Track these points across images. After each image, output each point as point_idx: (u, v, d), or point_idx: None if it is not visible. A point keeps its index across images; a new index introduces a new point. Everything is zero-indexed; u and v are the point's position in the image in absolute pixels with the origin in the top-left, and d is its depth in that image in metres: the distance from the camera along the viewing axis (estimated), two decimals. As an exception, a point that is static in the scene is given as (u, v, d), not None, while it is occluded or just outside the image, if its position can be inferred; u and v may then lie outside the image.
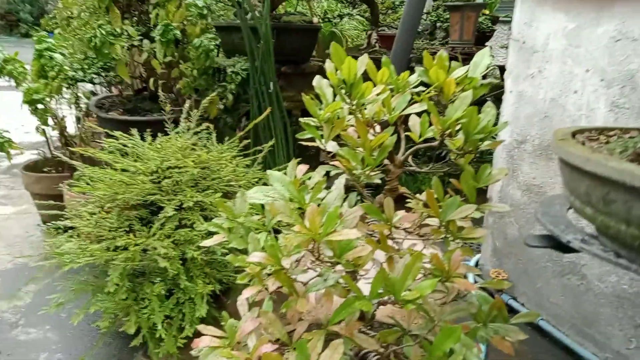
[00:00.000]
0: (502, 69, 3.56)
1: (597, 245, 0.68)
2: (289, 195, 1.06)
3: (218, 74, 2.78)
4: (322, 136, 1.10)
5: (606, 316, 1.58)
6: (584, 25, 1.64)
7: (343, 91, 1.01)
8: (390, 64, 1.10)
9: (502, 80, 2.07)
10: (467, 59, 3.51)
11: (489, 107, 0.95)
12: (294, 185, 1.08)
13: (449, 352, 0.93)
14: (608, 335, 1.58)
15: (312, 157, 2.72)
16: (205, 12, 2.25)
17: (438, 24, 5.29)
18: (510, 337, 1.13)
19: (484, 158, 2.57)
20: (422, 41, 5.22)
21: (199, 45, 2.21)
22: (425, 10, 5.43)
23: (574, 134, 0.82)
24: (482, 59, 1.04)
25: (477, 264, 2.18)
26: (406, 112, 1.00)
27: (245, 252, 1.12)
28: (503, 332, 1.13)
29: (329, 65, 1.01)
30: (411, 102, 1.03)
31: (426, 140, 1.14)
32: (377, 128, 1.11)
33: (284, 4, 4.03)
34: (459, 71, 0.99)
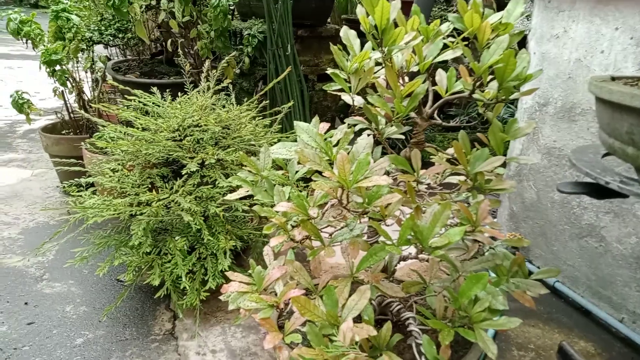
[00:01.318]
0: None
1: (638, 186, 0.67)
2: (316, 146, 1.06)
3: (234, 38, 2.75)
4: (350, 88, 1.10)
5: (624, 278, 1.59)
6: (615, -18, 1.58)
7: (375, 39, 1.00)
8: (420, 13, 1.08)
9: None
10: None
11: (524, 54, 0.93)
12: (320, 136, 1.09)
13: (475, 300, 0.94)
14: (624, 296, 1.59)
15: (328, 122, 2.70)
16: (222, -30, 2.21)
17: (455, -9, 5.15)
18: (531, 291, 1.14)
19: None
20: (438, 9, 5.11)
21: (217, 4, 2.17)
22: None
23: (613, 79, 0.81)
24: (516, 7, 1.01)
25: (494, 228, 2.18)
26: (439, 59, 0.99)
27: (269, 206, 1.13)
28: (524, 286, 1.14)
29: (360, 10, 0.99)
30: (443, 50, 1.01)
31: (454, 94, 1.13)
32: (406, 79, 1.09)
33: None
34: (494, 17, 0.97)
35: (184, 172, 1.51)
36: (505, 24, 0.96)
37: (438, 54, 0.99)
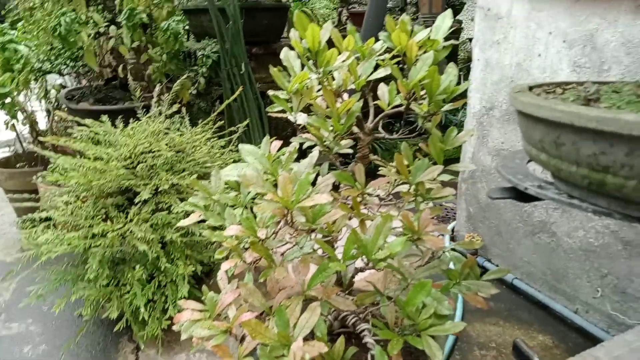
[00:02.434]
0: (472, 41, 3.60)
1: (553, 190, 0.71)
2: (262, 168, 1.07)
3: (189, 59, 2.75)
4: (292, 108, 1.12)
5: (575, 270, 1.65)
6: (545, -11, 1.67)
7: (309, 60, 1.03)
8: (356, 33, 1.11)
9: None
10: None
11: (450, 68, 0.97)
12: (266, 158, 1.10)
13: (422, 306, 0.97)
14: (577, 288, 1.65)
15: (288, 137, 2.72)
16: (170, -6, 2.22)
17: (408, 0, 5.29)
18: (482, 292, 1.18)
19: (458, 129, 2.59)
20: (394, 17, 5.22)
21: (166, 28, 2.18)
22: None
23: (530, 88, 0.85)
24: (444, 22, 1.06)
25: (453, 231, 2.24)
26: (372, 77, 1.02)
27: (223, 229, 1.13)
28: (475, 288, 1.17)
29: (293, 34, 1.01)
30: (377, 68, 1.05)
31: (395, 108, 1.16)
32: (345, 96, 1.12)
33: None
34: (421, 34, 1.01)
35: (137, 200, 1.50)
36: (432, 41, 1.00)
37: (372, 73, 1.02)
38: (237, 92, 2.07)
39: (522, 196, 0.78)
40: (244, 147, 1.08)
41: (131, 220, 1.52)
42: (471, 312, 1.73)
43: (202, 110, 2.67)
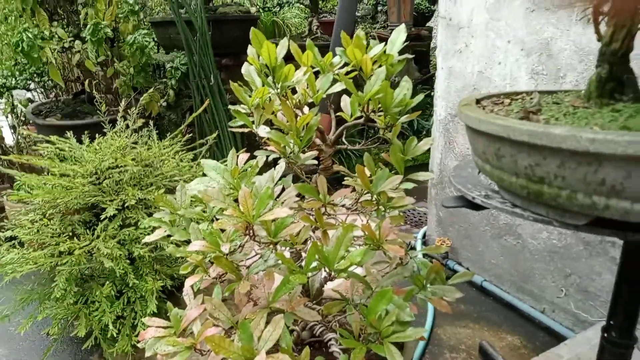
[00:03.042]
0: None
1: (498, 199, 0.74)
2: (224, 182, 1.08)
3: (158, 71, 2.74)
4: (253, 122, 1.13)
5: (540, 271, 1.70)
6: (503, -1, 1.72)
7: (267, 76, 1.04)
8: (314, 47, 1.13)
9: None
10: (405, 40, 3.57)
11: (404, 82, 1.00)
12: (230, 172, 1.11)
13: (385, 314, 0.99)
14: (543, 288, 1.70)
15: (261, 148, 2.73)
16: (136, 8, 2.21)
17: (379, 8, 5.38)
18: (447, 296, 1.20)
19: (427, 135, 2.64)
20: (365, 25, 5.30)
21: (132, 42, 2.17)
22: (365, -5, 5.50)
23: (478, 100, 0.88)
24: (399, 36, 1.09)
25: (424, 235, 2.27)
26: (329, 91, 1.04)
27: (189, 244, 1.13)
28: (440, 292, 1.19)
29: (250, 51, 1.03)
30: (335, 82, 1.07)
31: (357, 119, 1.19)
32: (306, 109, 1.14)
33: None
34: (376, 49, 1.03)
35: (102, 216, 1.49)
36: (387, 55, 1.02)
37: (329, 87, 1.04)
38: (204, 105, 2.07)
39: (473, 204, 0.81)
40: (207, 162, 1.08)
41: (98, 237, 1.50)
42: (442, 316, 1.76)
43: (172, 123, 2.66)
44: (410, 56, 1.12)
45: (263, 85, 1.11)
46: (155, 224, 1.20)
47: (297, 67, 1.09)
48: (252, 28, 0.99)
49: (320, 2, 4.33)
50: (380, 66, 1.01)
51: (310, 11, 3.90)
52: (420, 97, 1.02)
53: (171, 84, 2.48)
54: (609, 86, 0.74)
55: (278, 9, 4.04)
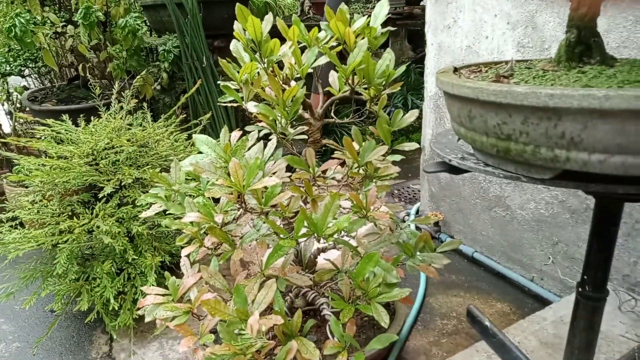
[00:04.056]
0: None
1: (472, 160, 0.78)
2: (216, 156, 1.12)
3: (151, 54, 2.75)
4: (242, 98, 1.16)
5: (529, 240, 1.75)
6: (489, -27, 1.73)
7: (254, 52, 1.07)
8: (300, 23, 1.16)
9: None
10: (399, 17, 3.63)
11: (386, 53, 1.03)
12: (222, 147, 1.14)
13: (373, 277, 1.04)
14: (531, 257, 1.75)
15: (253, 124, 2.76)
16: (127, -9, 2.22)
17: (372, -14, 5.34)
18: (435, 263, 1.25)
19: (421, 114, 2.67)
20: (358, 6, 5.28)
21: (124, 25, 2.18)
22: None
23: (457, 69, 0.92)
24: (381, 10, 1.11)
25: (417, 211, 2.32)
26: (314, 64, 1.07)
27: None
28: (428, 260, 1.24)
29: (236, 27, 1.06)
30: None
31: (345, 93, 1.22)
32: (293, 83, 1.17)
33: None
34: (359, 22, 1.06)
35: (100, 195, 1.53)
36: (370, 28, 1.05)
37: (315, 60, 1.07)
38: (196, 86, 2.10)
39: (451, 168, 0.85)
40: (198, 137, 1.12)
41: (97, 216, 1.55)
42: (434, 285, 1.82)
43: (167, 105, 2.68)
44: (392, 28, 1.15)
45: (251, 61, 1.14)
46: (151, 199, 1.24)
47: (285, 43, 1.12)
48: (237, 4, 1.02)
49: (312, -18, 4.31)
50: (363, 38, 1.04)
51: (303, -8, 3.89)
52: (402, 68, 1.05)
53: (164, 67, 2.50)
54: (577, 50, 0.77)
55: (270, -10, 4.02)
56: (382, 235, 1.29)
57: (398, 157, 1.25)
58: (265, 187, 0.98)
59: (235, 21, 1.05)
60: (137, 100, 1.81)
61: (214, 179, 0.99)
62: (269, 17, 1.04)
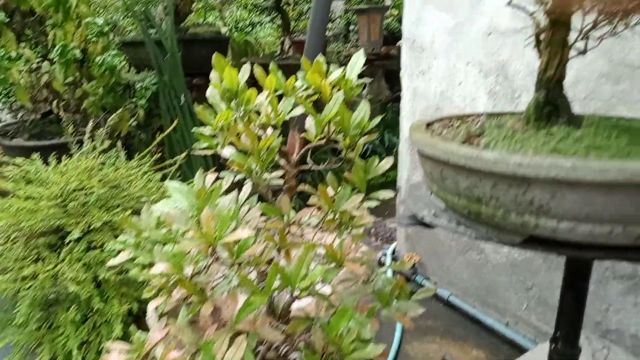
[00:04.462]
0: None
1: (445, 217, 0.78)
2: (189, 204, 1.09)
3: (129, 90, 2.74)
4: (217, 144, 1.15)
5: (503, 284, 1.75)
6: (462, 22, 1.80)
7: (230, 100, 1.07)
8: (278, 71, 1.17)
9: (400, 78, 2.21)
10: (377, 58, 3.71)
11: (362, 105, 1.04)
12: (195, 194, 1.12)
13: (348, 331, 1.01)
14: (506, 301, 1.75)
15: (229, 168, 2.74)
16: (105, 29, 2.22)
17: (351, 27, 5.50)
18: (410, 312, 1.23)
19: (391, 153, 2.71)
20: (337, 44, 5.41)
21: (101, 63, 2.17)
22: (338, 15, 5.62)
23: (429, 124, 0.93)
24: (358, 60, 1.13)
25: (394, 252, 2.31)
26: (290, 115, 1.07)
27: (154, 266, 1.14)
28: (404, 308, 1.22)
29: (214, 75, 1.06)
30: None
31: (320, 140, 1.22)
32: (270, 130, 1.17)
33: (194, 14, 4.02)
34: (335, 74, 1.08)
35: (68, 239, 1.47)
36: (346, 80, 1.07)
37: (291, 110, 1.08)
38: (174, 124, 2.08)
39: (424, 223, 0.85)
40: (171, 184, 1.10)
41: (63, 260, 1.49)
42: (410, 331, 1.79)
43: (142, 142, 2.65)
44: (369, 80, 1.17)
45: (227, 109, 1.14)
46: (120, 246, 1.20)
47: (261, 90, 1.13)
48: (215, 53, 1.02)
49: (292, 22, 4.41)
50: (339, 90, 1.05)
51: (282, 31, 3.96)
52: (377, 119, 1.06)
53: (141, 104, 2.48)
54: (546, 110, 0.79)
55: (250, 29, 4.09)
56: (358, 281, 1.27)
57: (374, 203, 1.25)
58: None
59: (213, 70, 1.05)
60: (110, 142, 1.79)
61: (185, 229, 0.96)
62: (246, 67, 1.05)
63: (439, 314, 1.89)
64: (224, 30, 2.94)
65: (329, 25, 5.54)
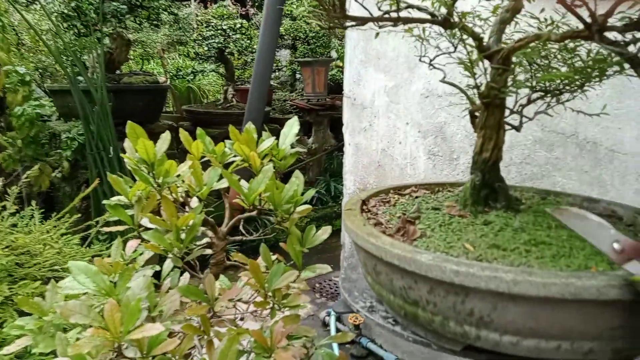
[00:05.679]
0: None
1: (382, 312, 0.70)
2: (96, 288, 0.96)
3: (55, 140, 2.55)
4: (132, 218, 1.03)
5: (449, 350, 1.69)
6: (401, 84, 1.81)
7: (147, 172, 0.96)
8: (205, 136, 1.08)
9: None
10: (322, 109, 3.70)
11: (295, 177, 0.97)
12: (103, 273, 0.99)
13: None
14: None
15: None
16: (27, 78, 2.05)
17: (297, 76, 5.56)
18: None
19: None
20: (284, 92, 5.44)
21: (20, 113, 2.00)
22: (284, 64, 5.69)
23: (365, 201, 0.86)
24: (291, 129, 1.07)
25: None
26: (216, 187, 0.98)
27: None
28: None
29: (127, 145, 0.95)
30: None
31: (251, 211, 1.13)
32: (195, 201, 1.07)
33: (132, 61, 3.90)
34: (266, 143, 1.00)
35: (-42, 321, 1.27)
36: (278, 149, 1.00)
37: (218, 180, 0.99)
38: (95, 184, 1.92)
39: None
40: (75, 265, 0.96)
41: (-49, 345, 1.27)
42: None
43: (67, 196, 2.44)
44: (302, 149, 1.11)
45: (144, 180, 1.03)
46: (17, 332, 1.03)
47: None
48: (128, 122, 0.92)
49: (237, 70, 4.38)
50: (270, 160, 0.97)
51: (226, 80, 3.92)
52: (311, 192, 0.99)
53: (66, 155, 2.30)
54: (483, 193, 0.75)
55: (192, 77, 4.01)
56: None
57: (313, 274, 1.16)
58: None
59: (126, 138, 0.94)
60: (17, 207, 1.60)
61: (85, 323, 0.83)
62: (165, 136, 0.95)
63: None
64: (162, 79, 2.84)
65: (276, 73, 5.58)
